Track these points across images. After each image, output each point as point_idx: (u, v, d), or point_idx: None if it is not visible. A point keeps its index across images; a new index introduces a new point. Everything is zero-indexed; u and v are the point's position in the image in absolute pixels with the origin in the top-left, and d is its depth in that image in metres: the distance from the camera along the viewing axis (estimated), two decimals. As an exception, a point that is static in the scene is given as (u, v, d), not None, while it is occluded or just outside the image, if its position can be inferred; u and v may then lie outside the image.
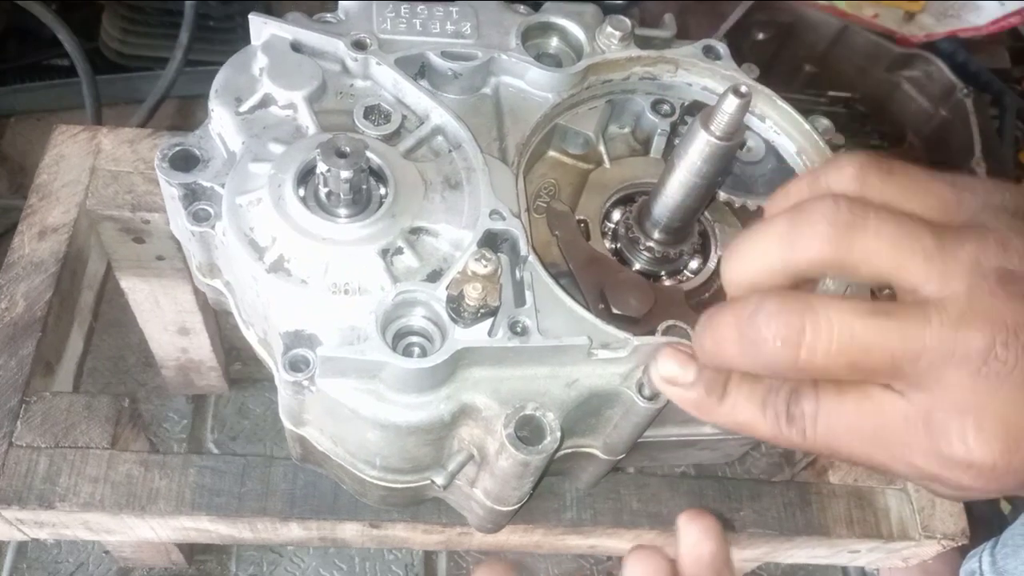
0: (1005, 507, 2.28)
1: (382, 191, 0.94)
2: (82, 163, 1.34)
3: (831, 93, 2.34)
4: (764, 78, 1.16)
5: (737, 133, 0.91)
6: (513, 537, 1.23)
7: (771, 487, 1.27)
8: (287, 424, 1.00)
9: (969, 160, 2.15)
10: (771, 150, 1.15)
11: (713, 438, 1.14)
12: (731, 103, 0.87)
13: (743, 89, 0.87)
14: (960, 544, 1.28)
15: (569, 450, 1.03)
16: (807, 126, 1.10)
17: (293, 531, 1.19)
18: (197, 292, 1.56)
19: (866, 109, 2.35)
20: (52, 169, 1.34)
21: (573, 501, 1.20)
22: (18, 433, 1.12)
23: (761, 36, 2.30)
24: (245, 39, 1.07)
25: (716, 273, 1.10)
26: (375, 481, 1.00)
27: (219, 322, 1.81)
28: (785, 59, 2.39)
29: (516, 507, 1.02)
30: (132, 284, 1.51)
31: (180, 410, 2.02)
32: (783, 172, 1.14)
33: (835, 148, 1.10)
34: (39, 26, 2.07)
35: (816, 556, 1.34)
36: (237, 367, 2.05)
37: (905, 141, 2.33)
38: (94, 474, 1.12)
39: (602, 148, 1.15)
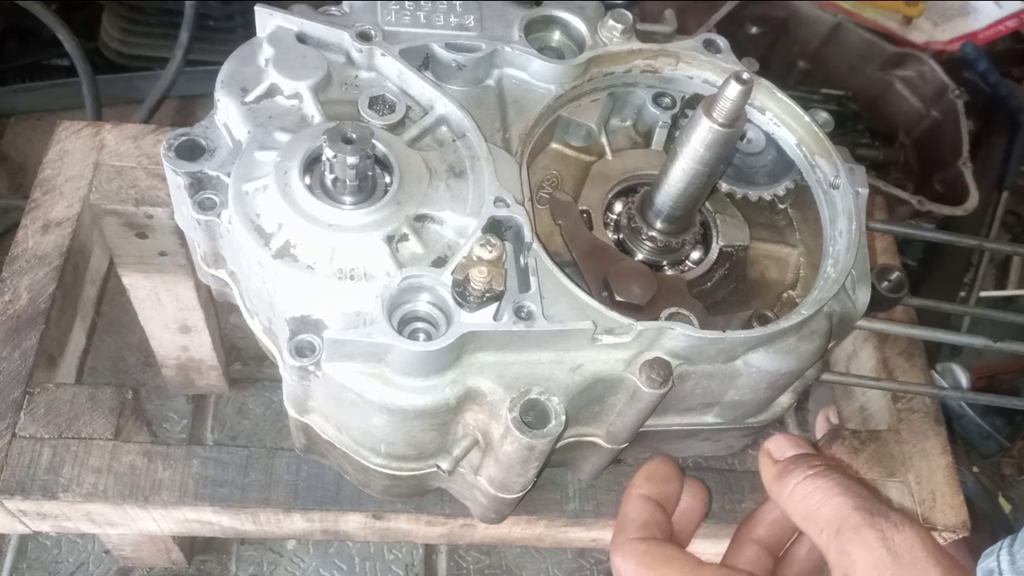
0: (1006, 506, 2.28)
1: (387, 179, 0.94)
2: (86, 158, 1.35)
3: (824, 90, 2.34)
4: (759, 73, 1.17)
5: (739, 120, 0.92)
6: (516, 529, 1.23)
7: (772, 479, 1.27)
8: (291, 412, 1.01)
9: (956, 161, 2.16)
10: (771, 142, 1.16)
11: (714, 428, 1.15)
12: (733, 89, 0.88)
13: (745, 76, 0.88)
14: (961, 536, 1.29)
15: (572, 439, 1.03)
16: (807, 118, 1.12)
17: (296, 523, 1.19)
18: (199, 289, 1.56)
19: (859, 107, 2.35)
20: (56, 164, 1.34)
21: (576, 492, 1.20)
22: (21, 424, 1.12)
23: (755, 30, 2.31)
24: (245, 39, 1.07)
25: (717, 263, 1.11)
26: (380, 469, 1.01)
27: (220, 321, 1.81)
28: (779, 54, 2.40)
29: (520, 495, 1.03)
30: (134, 280, 1.52)
31: (180, 410, 2.02)
32: (783, 163, 1.15)
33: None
34: (39, 26, 2.08)
35: (817, 549, 1.34)
36: (237, 367, 2.05)
37: (896, 140, 2.34)
38: (97, 465, 1.12)
39: (604, 140, 1.16)
